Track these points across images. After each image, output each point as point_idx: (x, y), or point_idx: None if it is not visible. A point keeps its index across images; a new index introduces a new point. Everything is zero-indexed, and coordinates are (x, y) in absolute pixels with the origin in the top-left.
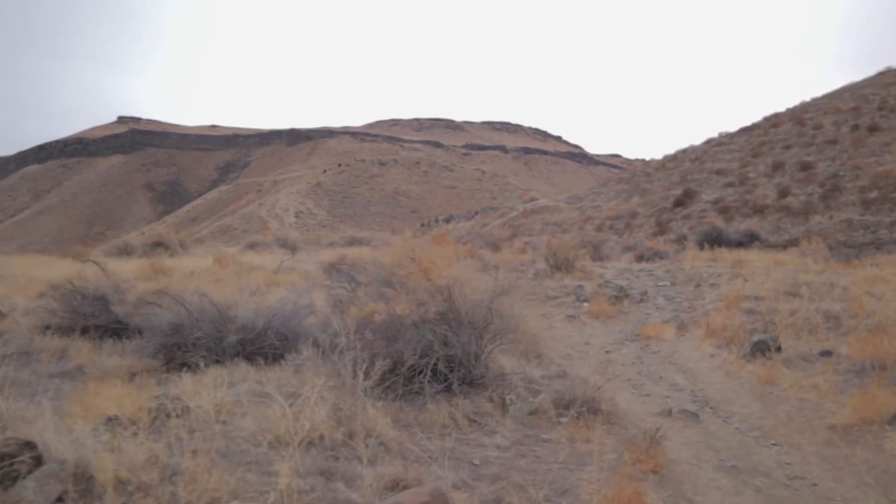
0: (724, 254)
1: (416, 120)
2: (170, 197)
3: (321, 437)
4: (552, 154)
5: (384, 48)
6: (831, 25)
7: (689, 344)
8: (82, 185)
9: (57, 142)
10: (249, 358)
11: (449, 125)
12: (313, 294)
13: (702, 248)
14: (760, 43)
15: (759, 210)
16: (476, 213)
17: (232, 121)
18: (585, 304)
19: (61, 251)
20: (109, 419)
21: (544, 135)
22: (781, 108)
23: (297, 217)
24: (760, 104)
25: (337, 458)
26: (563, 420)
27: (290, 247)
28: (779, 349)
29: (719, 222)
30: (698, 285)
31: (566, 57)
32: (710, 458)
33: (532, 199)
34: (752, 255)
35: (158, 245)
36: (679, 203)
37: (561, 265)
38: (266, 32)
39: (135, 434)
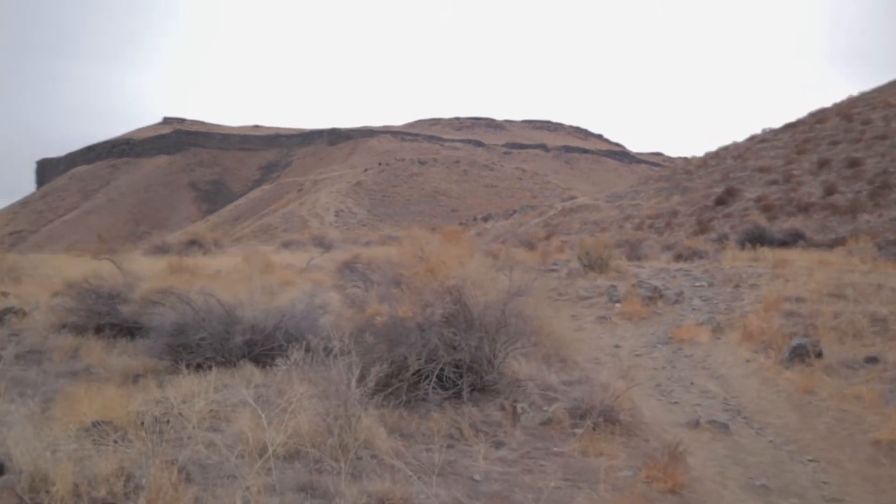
0: (767, 253)
1: (457, 119)
2: (213, 196)
3: (310, 448)
4: (593, 153)
5: (425, 46)
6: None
7: (724, 348)
8: (129, 185)
9: (105, 142)
10: (258, 360)
11: (489, 124)
12: (332, 293)
13: (743, 247)
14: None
15: (804, 208)
16: (514, 211)
17: (274, 121)
18: (618, 305)
19: (105, 250)
20: (92, 425)
21: (585, 133)
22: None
23: (336, 216)
24: (807, 100)
25: (321, 472)
26: (579, 431)
27: (325, 245)
28: (819, 355)
29: (762, 221)
30: (737, 286)
31: (608, 55)
32: (737, 476)
33: (571, 198)
34: (796, 255)
35: (193, 243)
36: (721, 201)
37: (594, 264)
38: (309, 32)
39: (114, 442)
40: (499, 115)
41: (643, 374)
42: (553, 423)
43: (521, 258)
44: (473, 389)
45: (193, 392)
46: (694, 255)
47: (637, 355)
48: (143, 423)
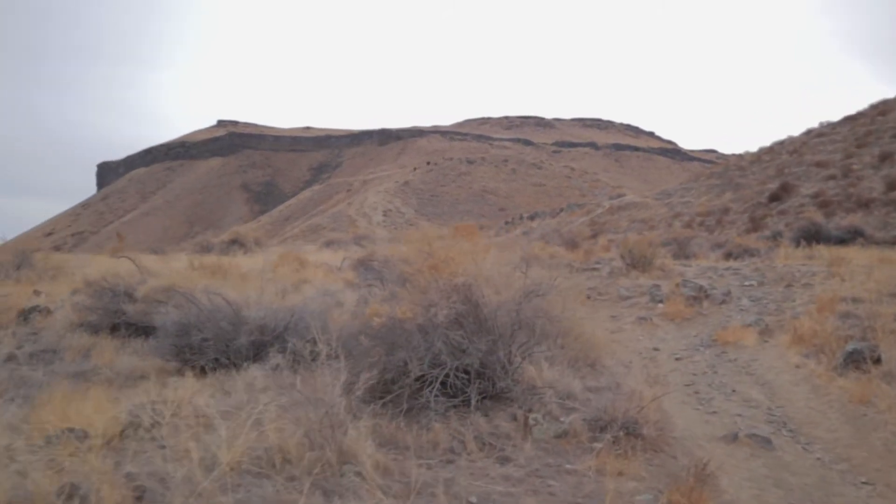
0: (822, 251)
1: (506, 118)
2: (265, 197)
3: (287, 463)
4: (644, 150)
5: (477, 45)
6: None
7: (771, 352)
8: (184, 187)
9: (162, 145)
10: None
11: (539, 122)
12: (349, 292)
13: (798, 245)
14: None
15: (864, 204)
16: (561, 210)
17: (324, 122)
18: (660, 305)
19: (123, 248)
20: (61, 433)
21: (636, 131)
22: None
23: (384, 216)
24: (868, 94)
25: (290, 492)
26: (597, 446)
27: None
28: (878, 361)
29: (818, 218)
30: (789, 285)
31: (661, 52)
32: (777, 500)
33: (619, 196)
34: (854, 253)
35: (235, 243)
36: (775, 198)
37: (637, 263)
38: (362, 34)
39: (88, 451)
40: (548, 114)
41: (681, 380)
42: (569, 437)
43: (559, 256)
44: (484, 397)
45: (173, 398)
46: (745, 253)
47: (677, 359)
48: (122, 432)
